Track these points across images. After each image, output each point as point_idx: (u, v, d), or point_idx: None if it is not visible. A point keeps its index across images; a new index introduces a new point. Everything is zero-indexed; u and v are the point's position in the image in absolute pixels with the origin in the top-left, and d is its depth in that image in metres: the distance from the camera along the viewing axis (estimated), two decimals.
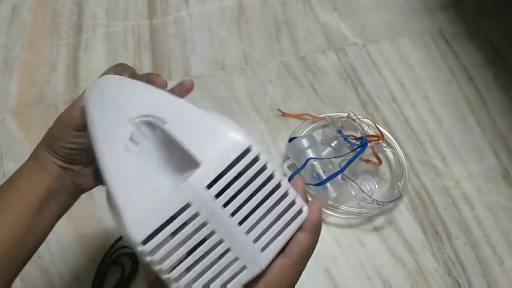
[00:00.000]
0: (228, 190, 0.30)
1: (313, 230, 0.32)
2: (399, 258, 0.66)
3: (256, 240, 0.31)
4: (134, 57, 0.82)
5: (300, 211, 0.33)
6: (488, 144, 0.75)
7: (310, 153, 0.67)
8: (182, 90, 0.43)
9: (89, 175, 0.44)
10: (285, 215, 0.32)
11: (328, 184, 0.65)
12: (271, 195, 0.31)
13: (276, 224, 0.32)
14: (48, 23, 0.85)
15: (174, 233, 0.30)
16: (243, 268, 0.31)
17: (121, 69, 0.41)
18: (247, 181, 0.31)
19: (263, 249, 0.31)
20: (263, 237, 0.31)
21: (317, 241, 0.33)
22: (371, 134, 0.72)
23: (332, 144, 0.70)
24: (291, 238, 0.33)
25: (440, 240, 0.67)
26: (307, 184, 0.67)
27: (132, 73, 0.41)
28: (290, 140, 0.70)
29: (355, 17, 0.88)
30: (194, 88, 0.43)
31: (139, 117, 0.33)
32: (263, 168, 0.31)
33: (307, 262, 0.33)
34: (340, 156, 0.68)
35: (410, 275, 0.65)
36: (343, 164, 0.66)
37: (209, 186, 0.30)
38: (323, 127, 0.74)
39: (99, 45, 0.83)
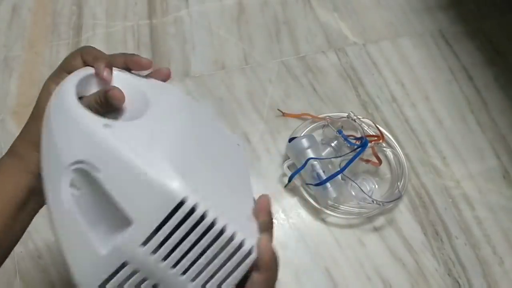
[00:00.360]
0: (165, 244, 0.29)
1: (267, 268, 0.31)
2: (399, 258, 0.66)
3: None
4: None
5: (249, 253, 0.31)
6: (488, 144, 0.75)
7: (310, 153, 0.67)
8: (158, 77, 0.41)
9: None
10: (232, 260, 0.30)
11: (328, 184, 0.65)
12: (214, 243, 0.30)
13: (222, 270, 0.30)
14: (48, 23, 0.85)
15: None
16: None
17: (87, 56, 0.39)
18: (186, 233, 0.29)
19: None
20: (208, 284, 0.30)
21: (276, 273, 0.32)
22: (371, 134, 0.72)
23: (332, 144, 0.70)
24: (246, 278, 0.31)
25: (440, 240, 0.67)
26: (307, 184, 0.67)
27: (97, 58, 0.38)
28: (290, 140, 0.70)
29: (355, 17, 0.88)
30: (171, 77, 0.41)
31: (74, 164, 0.31)
32: (202, 217, 0.29)
33: None
34: (340, 156, 0.68)
35: (410, 275, 0.65)
36: (343, 164, 0.66)
37: (144, 243, 0.29)
38: (323, 127, 0.74)
39: (99, 45, 0.82)
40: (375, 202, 0.65)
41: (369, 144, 0.68)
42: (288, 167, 0.69)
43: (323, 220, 0.68)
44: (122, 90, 0.36)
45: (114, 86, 0.37)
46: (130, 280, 0.29)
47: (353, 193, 0.66)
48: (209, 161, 0.35)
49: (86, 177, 0.30)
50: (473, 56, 0.84)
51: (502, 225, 0.69)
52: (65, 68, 0.40)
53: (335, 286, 0.64)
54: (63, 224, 0.31)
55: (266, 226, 0.33)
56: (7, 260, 0.60)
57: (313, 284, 0.64)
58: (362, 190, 0.66)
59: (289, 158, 0.70)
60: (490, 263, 0.66)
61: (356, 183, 0.66)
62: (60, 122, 0.33)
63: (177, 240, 0.29)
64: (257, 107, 0.77)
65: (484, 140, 0.76)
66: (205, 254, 0.30)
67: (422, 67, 0.83)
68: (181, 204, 0.28)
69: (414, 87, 0.80)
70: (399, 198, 0.67)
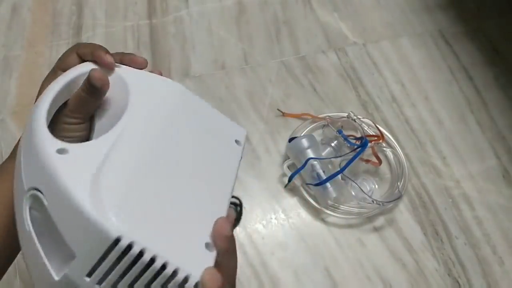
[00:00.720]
0: (108, 278, 0.29)
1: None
2: (399, 258, 0.66)
3: None
4: None
5: (186, 280, 0.30)
6: (488, 144, 0.75)
7: (310, 153, 0.67)
8: (133, 65, 0.40)
9: None
10: None
11: (328, 184, 0.65)
12: (155, 278, 0.30)
13: None
14: (48, 23, 0.85)
15: None
16: None
17: (85, 49, 0.38)
18: (126, 268, 0.29)
19: None
20: None
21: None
22: (371, 134, 0.72)
23: (332, 144, 0.70)
24: None
25: (440, 240, 0.67)
26: (307, 184, 0.67)
27: (96, 48, 0.38)
28: (290, 140, 0.70)
29: (355, 17, 0.88)
30: (147, 67, 0.41)
31: (30, 190, 0.31)
32: (140, 255, 0.29)
33: None
34: (340, 156, 0.68)
35: (410, 275, 0.65)
36: (343, 164, 0.66)
37: (89, 274, 0.29)
38: (323, 127, 0.74)
39: None
40: (375, 202, 0.65)
41: (369, 144, 0.68)
42: (288, 167, 0.69)
43: (323, 220, 0.68)
44: (112, 82, 0.37)
45: (97, 68, 0.37)
46: None
47: (353, 193, 0.66)
48: (170, 181, 0.34)
49: (40, 204, 0.31)
50: (473, 56, 0.84)
51: (502, 225, 0.69)
52: (61, 67, 0.40)
53: (335, 286, 0.64)
54: (25, 244, 0.32)
55: (224, 252, 0.32)
56: None
57: (313, 284, 0.64)
58: (362, 190, 0.66)
59: (289, 158, 0.70)
60: (490, 263, 0.66)
61: (356, 183, 0.66)
62: (25, 144, 0.33)
63: (118, 274, 0.29)
64: (257, 107, 0.77)
65: (484, 140, 0.76)
66: None
67: (422, 67, 0.83)
68: (117, 241, 0.29)
69: (414, 87, 0.80)
70: (399, 198, 0.67)
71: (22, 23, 0.85)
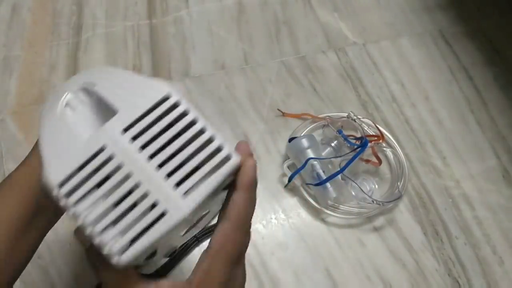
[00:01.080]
0: (145, 134, 0.30)
1: (247, 188, 0.31)
2: (399, 258, 0.66)
3: (177, 185, 0.29)
4: (134, 57, 0.82)
5: (227, 158, 0.31)
6: (488, 144, 0.75)
7: (310, 153, 0.67)
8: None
9: None
10: (211, 161, 0.30)
11: (328, 184, 0.65)
12: (193, 141, 0.30)
13: (200, 170, 0.30)
14: (48, 23, 0.85)
15: (88, 177, 0.30)
16: (164, 213, 0.29)
17: None
18: (166, 126, 0.30)
19: (185, 194, 0.29)
20: (186, 182, 0.30)
21: (255, 201, 0.32)
22: (371, 134, 0.72)
23: (332, 144, 0.70)
24: (228, 201, 0.32)
25: (440, 240, 0.67)
26: (307, 184, 0.67)
27: None
28: (290, 140, 0.70)
29: (355, 17, 0.88)
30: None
31: (75, 86, 0.34)
32: (183, 114, 0.30)
33: (249, 226, 0.32)
34: (340, 156, 0.68)
35: (410, 275, 0.65)
36: (343, 164, 0.66)
37: (125, 130, 0.30)
38: (323, 127, 0.74)
39: (99, 45, 0.83)
40: (375, 202, 0.65)
41: (369, 144, 0.68)
42: (288, 167, 0.69)
43: (323, 220, 0.68)
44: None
45: None
46: (105, 168, 0.30)
47: (353, 193, 0.66)
48: None
49: (86, 93, 0.34)
50: (473, 56, 0.84)
51: (502, 225, 0.69)
52: None
53: (335, 286, 0.64)
54: (51, 133, 0.33)
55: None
56: None
57: (313, 284, 0.64)
58: (362, 190, 0.66)
59: (289, 158, 0.70)
60: (490, 263, 0.66)
61: (356, 183, 0.66)
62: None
63: (157, 131, 0.30)
64: (257, 107, 0.77)
65: (484, 140, 0.76)
66: (183, 151, 0.30)
67: (422, 67, 0.83)
68: (165, 98, 0.31)
69: (414, 87, 0.80)
70: (399, 198, 0.67)
71: (22, 23, 0.85)
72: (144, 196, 0.29)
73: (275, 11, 0.88)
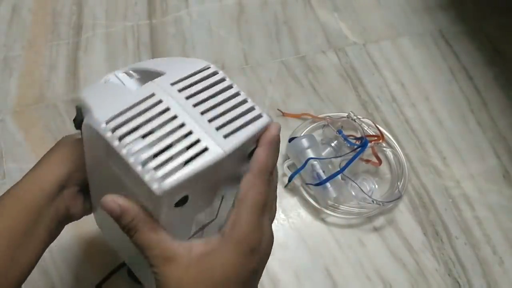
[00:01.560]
0: (190, 88, 0.34)
1: (268, 143, 0.35)
2: (399, 258, 0.66)
3: (218, 128, 0.33)
4: (134, 57, 0.82)
5: (260, 116, 0.35)
6: (488, 144, 0.75)
7: (310, 153, 0.67)
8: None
9: (80, 197, 0.43)
10: (246, 116, 0.34)
11: (328, 184, 0.65)
12: (231, 99, 0.35)
13: (237, 121, 0.34)
14: (48, 23, 0.85)
15: (137, 115, 0.32)
16: (206, 148, 0.32)
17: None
18: (208, 85, 0.35)
19: (225, 136, 0.33)
20: (226, 127, 0.33)
21: (276, 157, 0.36)
22: (371, 134, 0.72)
23: (332, 144, 0.70)
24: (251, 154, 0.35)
25: (440, 240, 0.67)
26: (307, 184, 0.67)
27: None
28: (290, 140, 0.70)
29: (355, 17, 0.88)
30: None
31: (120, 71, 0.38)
32: (222, 79, 0.36)
33: (269, 176, 0.35)
34: (340, 156, 0.68)
35: (410, 275, 0.65)
36: (343, 164, 0.66)
37: (173, 84, 0.34)
38: (323, 127, 0.74)
39: (99, 45, 0.83)
40: (375, 202, 0.65)
41: (369, 144, 0.68)
42: (288, 167, 0.69)
43: (323, 220, 0.68)
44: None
45: None
46: (153, 109, 0.33)
47: (353, 193, 0.66)
48: None
49: (137, 72, 0.38)
50: (473, 56, 0.84)
51: (502, 225, 0.69)
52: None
53: (335, 286, 0.64)
54: (96, 87, 0.37)
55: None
56: None
57: (313, 284, 0.64)
58: (362, 190, 0.66)
59: (289, 158, 0.70)
60: (490, 263, 0.66)
61: (356, 183, 0.66)
62: None
63: (199, 88, 0.35)
64: None
65: (484, 140, 0.76)
66: (222, 105, 0.34)
67: (422, 67, 0.83)
68: (206, 67, 0.37)
69: (414, 87, 0.80)
70: (399, 198, 0.67)
71: (22, 23, 0.85)
72: (189, 133, 0.32)
73: (275, 11, 0.88)
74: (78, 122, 0.35)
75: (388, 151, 0.72)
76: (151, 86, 0.34)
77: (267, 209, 0.35)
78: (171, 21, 0.86)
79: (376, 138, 0.71)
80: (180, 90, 0.34)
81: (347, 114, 0.73)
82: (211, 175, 0.33)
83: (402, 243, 0.67)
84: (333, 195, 0.65)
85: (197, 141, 0.32)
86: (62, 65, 0.80)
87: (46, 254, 0.63)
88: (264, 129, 0.35)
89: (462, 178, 0.72)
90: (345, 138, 0.69)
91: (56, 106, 0.76)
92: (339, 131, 0.70)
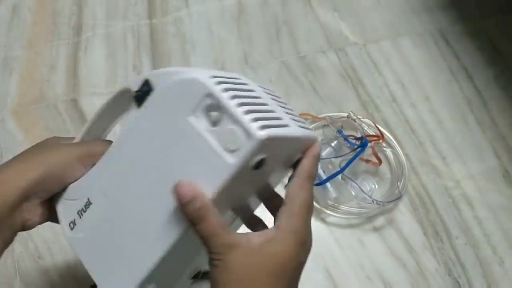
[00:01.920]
0: (268, 90, 0.41)
1: (313, 156, 0.39)
2: (399, 258, 0.66)
3: (293, 120, 0.38)
4: (134, 57, 0.82)
5: (311, 130, 0.40)
6: (488, 144, 0.75)
7: None
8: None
9: (39, 209, 0.42)
10: (305, 125, 0.40)
11: (328, 184, 0.65)
12: (293, 111, 0.42)
13: (302, 123, 0.40)
14: (48, 23, 0.85)
15: (231, 83, 0.35)
16: (286, 125, 0.36)
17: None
18: (279, 96, 0.43)
19: (300, 126, 0.38)
20: (298, 122, 0.39)
21: (316, 169, 0.40)
22: (371, 134, 0.72)
23: (332, 144, 0.70)
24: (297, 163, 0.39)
25: (440, 240, 0.67)
26: None
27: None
28: None
29: (355, 17, 0.88)
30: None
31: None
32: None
33: (312, 184, 0.39)
34: (340, 156, 0.68)
35: (410, 275, 0.65)
36: (343, 164, 0.66)
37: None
38: (323, 127, 0.74)
39: (99, 45, 0.83)
40: (375, 202, 0.65)
41: (369, 144, 0.68)
42: None
43: (323, 220, 0.68)
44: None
45: None
46: (243, 86, 0.36)
47: (353, 193, 0.66)
48: None
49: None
50: (473, 56, 0.84)
51: (502, 225, 0.69)
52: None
53: (335, 286, 0.64)
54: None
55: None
56: (7, 260, 0.60)
57: (313, 284, 0.64)
58: (362, 190, 0.66)
59: None
60: (490, 263, 0.66)
61: (356, 183, 0.66)
62: None
63: (276, 94, 0.42)
64: None
65: (484, 140, 0.76)
66: (293, 112, 0.41)
67: (422, 67, 0.82)
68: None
69: (414, 87, 0.80)
70: (399, 198, 0.67)
71: (22, 23, 0.85)
72: (272, 111, 0.36)
73: (275, 11, 0.88)
74: (142, 94, 0.37)
75: (388, 151, 0.72)
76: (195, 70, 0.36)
77: (311, 210, 0.38)
78: (171, 21, 0.86)
79: (376, 138, 0.71)
80: (260, 86, 0.39)
81: (347, 114, 0.73)
82: (285, 149, 0.37)
83: (402, 243, 0.67)
84: (333, 195, 0.65)
85: (279, 118, 0.36)
86: (62, 65, 0.80)
87: (46, 254, 0.63)
88: (312, 143, 0.39)
89: (462, 178, 0.72)
90: (345, 138, 0.69)
91: (56, 106, 0.76)
92: (339, 131, 0.70)
